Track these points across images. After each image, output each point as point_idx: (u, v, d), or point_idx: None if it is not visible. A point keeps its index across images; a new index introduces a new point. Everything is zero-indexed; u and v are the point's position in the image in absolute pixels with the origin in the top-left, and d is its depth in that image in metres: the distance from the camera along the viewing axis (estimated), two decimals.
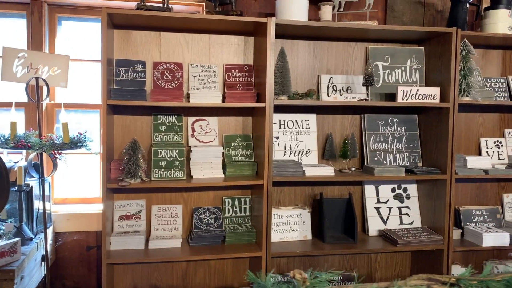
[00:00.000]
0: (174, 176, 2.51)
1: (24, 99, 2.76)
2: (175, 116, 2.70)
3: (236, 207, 2.77)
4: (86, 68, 2.93)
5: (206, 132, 2.74)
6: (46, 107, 2.78)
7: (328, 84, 2.80)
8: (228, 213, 2.76)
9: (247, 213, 2.78)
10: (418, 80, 2.91)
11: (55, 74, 2.59)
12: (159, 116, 2.68)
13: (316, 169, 2.58)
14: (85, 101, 2.91)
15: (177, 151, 2.54)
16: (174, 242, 2.55)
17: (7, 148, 2.07)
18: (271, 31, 2.40)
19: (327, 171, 2.58)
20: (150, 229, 2.66)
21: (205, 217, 2.69)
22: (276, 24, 2.42)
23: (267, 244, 2.48)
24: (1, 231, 2.17)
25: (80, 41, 2.92)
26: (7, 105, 2.74)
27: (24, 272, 2.03)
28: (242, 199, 2.78)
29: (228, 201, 2.76)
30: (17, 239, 1.99)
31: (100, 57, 2.86)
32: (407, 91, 2.64)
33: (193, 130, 2.73)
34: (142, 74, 2.60)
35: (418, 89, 2.64)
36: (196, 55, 2.72)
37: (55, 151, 2.10)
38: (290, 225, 2.72)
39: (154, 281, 2.73)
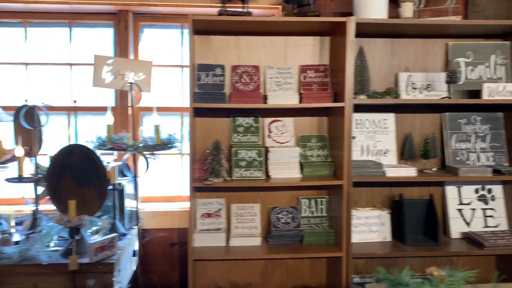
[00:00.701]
0: (254, 175, 2.56)
1: (110, 103, 2.96)
2: (253, 118, 2.76)
3: (312, 207, 2.78)
4: (163, 73, 3.06)
5: (282, 133, 2.78)
6: (132, 110, 2.94)
7: (407, 82, 2.74)
8: (305, 213, 2.78)
9: (323, 214, 2.78)
10: (504, 76, 2.77)
11: (139, 79, 2.74)
12: (237, 118, 2.75)
13: (397, 169, 2.53)
14: (161, 104, 3.05)
15: (256, 151, 2.60)
16: (253, 240, 2.61)
17: (104, 150, 2.22)
18: (351, 30, 2.40)
19: (409, 172, 2.52)
20: (229, 227, 2.74)
21: (282, 216, 2.72)
22: (356, 23, 2.41)
23: (348, 245, 2.47)
24: (98, 226, 2.33)
25: (159, 47, 3.07)
26: (93, 109, 2.95)
27: (121, 265, 2.16)
28: (319, 200, 2.79)
29: (305, 201, 2.78)
30: (115, 234, 2.13)
31: (180, 62, 3.02)
32: (493, 87, 2.52)
33: (270, 131, 2.78)
34: (221, 77, 2.68)
35: (505, 86, 2.52)
36: (272, 57, 2.76)
37: (148, 152, 2.23)
38: (369, 226, 2.69)
39: (233, 278, 2.81)
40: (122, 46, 2.90)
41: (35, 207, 2.28)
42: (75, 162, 2.11)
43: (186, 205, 2.89)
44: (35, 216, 2.27)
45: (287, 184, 2.52)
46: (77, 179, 2.12)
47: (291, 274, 2.85)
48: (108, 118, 2.30)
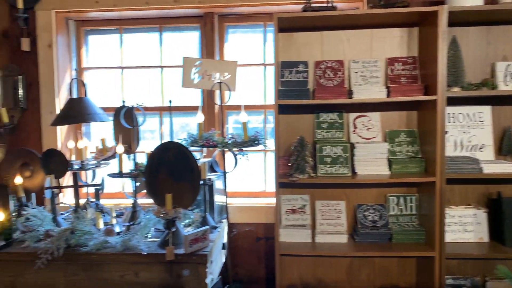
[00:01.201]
0: (340, 172, 2.54)
1: (196, 103, 3.09)
2: (337, 113, 2.73)
3: (401, 205, 2.69)
4: (246, 72, 3.12)
5: (368, 128, 2.72)
6: (218, 109, 3.05)
7: (505, 72, 2.55)
8: (393, 211, 2.69)
9: (413, 212, 2.68)
10: None
11: (225, 79, 2.83)
12: (320, 114, 2.74)
13: (496, 165, 2.37)
14: (245, 103, 3.11)
15: (342, 147, 2.57)
16: (339, 237, 2.59)
17: (196, 147, 2.33)
18: (443, 19, 2.28)
19: (510, 168, 2.35)
20: (314, 224, 2.73)
21: (369, 214, 2.66)
22: (449, 12, 2.29)
23: (441, 245, 2.36)
24: (190, 220, 2.45)
25: (242, 47, 3.14)
26: (182, 109, 3.09)
27: (212, 257, 2.25)
28: (408, 197, 2.69)
29: (393, 199, 2.70)
30: (208, 227, 2.23)
31: (262, 60, 3.06)
32: None
33: (355, 127, 2.73)
34: (305, 74, 2.69)
35: None
36: (357, 51, 2.71)
37: (236, 149, 2.30)
38: (463, 225, 2.54)
39: (319, 275, 2.80)
40: (209, 48, 3.00)
41: (134, 201, 2.44)
42: (170, 158, 2.23)
43: (270, 200, 2.94)
44: (134, 209, 2.43)
45: (375, 180, 2.46)
46: (172, 175, 2.24)
47: (379, 273, 2.78)
48: (199, 117, 2.41)
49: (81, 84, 2.64)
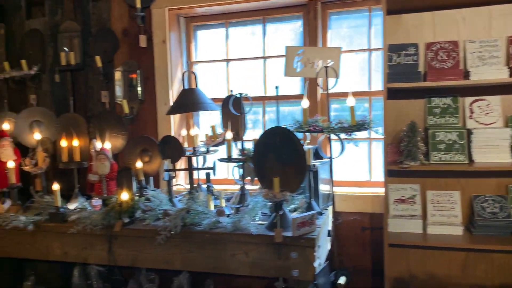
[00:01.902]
0: (455, 159, 2.38)
1: (296, 92, 3.11)
2: (451, 98, 2.57)
3: None
4: (349, 58, 3.06)
5: (486, 113, 2.51)
6: (320, 97, 3.03)
7: None
8: None
9: None
10: None
11: (328, 66, 2.80)
12: (432, 99, 2.59)
13: None
14: (349, 89, 3.05)
15: (457, 133, 2.41)
16: (453, 229, 2.43)
17: (302, 132, 2.35)
18: None
19: None
20: (425, 214, 2.60)
21: (488, 205, 2.46)
22: None
23: None
24: (296, 205, 2.47)
25: (345, 33, 3.09)
26: (285, 98, 3.13)
27: (320, 242, 2.25)
28: None
29: None
30: (314, 211, 2.23)
31: (367, 45, 2.98)
32: None
33: (471, 112, 2.54)
34: (415, 56, 2.56)
35: None
36: (473, 31, 2.52)
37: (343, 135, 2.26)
38: None
39: (429, 268, 2.66)
40: (312, 36, 3.00)
41: (242, 185, 2.53)
42: (277, 144, 2.28)
43: (375, 190, 2.85)
44: (243, 192, 2.52)
45: (497, 168, 2.27)
46: (279, 159, 2.28)
47: (498, 270, 2.56)
48: (304, 103, 2.42)
49: (192, 76, 2.80)
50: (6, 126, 3.04)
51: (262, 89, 3.21)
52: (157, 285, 2.85)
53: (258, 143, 2.33)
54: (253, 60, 3.25)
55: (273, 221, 2.23)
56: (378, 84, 2.94)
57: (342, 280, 2.27)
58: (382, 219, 2.79)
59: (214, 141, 2.59)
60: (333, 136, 2.42)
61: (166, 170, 2.51)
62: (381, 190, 2.84)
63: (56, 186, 2.59)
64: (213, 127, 2.64)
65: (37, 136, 2.90)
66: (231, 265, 2.27)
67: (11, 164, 2.74)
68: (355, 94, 2.97)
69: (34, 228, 2.56)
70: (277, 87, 2.56)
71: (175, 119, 3.20)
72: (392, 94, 2.61)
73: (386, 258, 2.41)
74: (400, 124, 2.56)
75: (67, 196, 2.85)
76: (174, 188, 2.71)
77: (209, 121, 3.35)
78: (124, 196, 2.46)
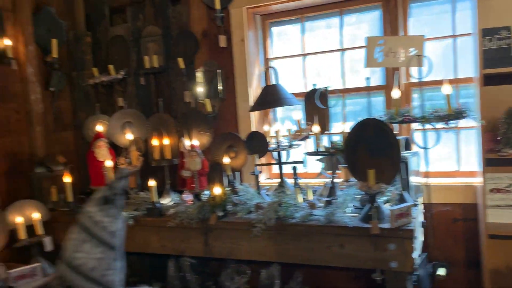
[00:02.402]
0: None
1: (377, 82, 3.08)
2: None
3: None
4: (432, 46, 2.98)
5: None
6: (404, 87, 2.98)
7: None
8: None
9: None
10: None
11: (411, 55, 2.74)
12: None
13: None
14: (432, 78, 2.96)
15: None
16: None
17: (395, 122, 2.32)
18: None
19: None
20: None
21: None
22: None
23: None
24: (388, 196, 2.46)
25: (427, 21, 3.01)
26: (362, 89, 3.10)
27: (415, 233, 2.23)
28: None
29: None
30: (410, 203, 2.21)
31: (452, 32, 2.89)
32: None
33: None
34: (508, 40, 2.45)
35: None
36: None
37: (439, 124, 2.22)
38: None
39: None
40: (392, 25, 2.96)
41: (332, 178, 2.55)
42: (369, 135, 2.28)
43: (466, 180, 2.77)
44: (332, 185, 2.54)
45: None
46: (371, 151, 2.28)
47: None
48: (395, 93, 2.39)
49: (273, 73, 2.85)
50: (100, 128, 3.26)
51: (339, 82, 3.21)
52: (249, 276, 2.94)
53: (350, 135, 2.34)
54: (330, 53, 3.25)
55: (368, 213, 2.23)
56: (464, 71, 2.84)
57: (441, 271, 2.24)
58: (474, 210, 2.72)
59: (300, 135, 2.62)
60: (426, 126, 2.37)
61: (257, 165, 2.59)
62: (472, 180, 2.76)
63: (152, 183, 2.75)
64: (298, 122, 2.67)
65: (129, 136, 3.08)
66: (326, 257, 2.31)
67: (109, 163, 2.93)
68: (439, 82, 2.91)
69: (134, 223, 2.73)
70: (367, 78, 2.55)
71: (254, 115, 3.28)
72: (485, 79, 2.52)
73: (485, 249, 2.34)
74: (495, 111, 2.47)
75: (158, 191, 3.01)
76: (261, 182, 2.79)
77: (286, 116, 3.40)
78: (217, 190, 2.56)
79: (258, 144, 2.76)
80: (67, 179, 2.96)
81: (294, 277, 2.91)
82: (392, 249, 2.16)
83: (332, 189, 2.54)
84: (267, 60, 3.40)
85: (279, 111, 3.45)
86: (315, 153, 2.54)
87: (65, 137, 3.67)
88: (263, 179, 3.32)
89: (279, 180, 2.82)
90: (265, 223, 2.35)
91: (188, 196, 2.94)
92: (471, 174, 2.82)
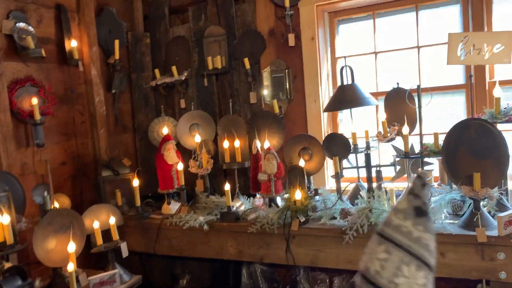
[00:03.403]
0: None
1: (459, 81, 2.92)
2: None
3: None
4: None
5: None
6: (488, 86, 2.82)
7: None
8: None
9: None
10: None
11: (498, 52, 2.58)
12: None
13: None
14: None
15: None
16: None
17: (499, 122, 2.18)
18: None
19: None
20: None
21: None
22: None
23: None
24: (485, 201, 2.31)
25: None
26: (445, 88, 2.95)
27: None
28: None
29: None
30: None
31: None
32: None
33: None
34: None
35: None
36: None
37: None
38: None
39: None
40: (475, 20, 2.80)
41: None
42: (471, 136, 2.13)
43: None
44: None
45: None
46: (473, 153, 2.13)
47: None
48: (497, 91, 2.25)
49: (348, 72, 2.73)
50: (166, 130, 3.19)
51: (415, 80, 3.06)
52: (328, 285, 2.83)
53: (449, 136, 2.20)
54: (405, 50, 3.10)
55: (473, 219, 2.09)
56: None
57: None
58: None
59: (386, 137, 2.49)
60: None
61: (346, 168, 2.46)
62: None
63: (227, 186, 2.65)
64: (383, 123, 2.54)
65: (197, 138, 3.00)
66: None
67: (180, 167, 2.86)
68: None
69: (209, 228, 2.64)
70: (471, 76, 2.41)
71: (323, 117, 3.16)
72: None
73: None
74: None
75: None
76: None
77: (356, 117, 3.26)
78: (298, 195, 2.45)
79: (337, 146, 2.64)
80: (136, 182, 2.90)
81: None
82: (502, 259, 2.01)
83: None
84: (335, 60, 3.27)
85: (347, 112, 3.31)
86: (404, 156, 2.41)
87: (125, 140, 3.62)
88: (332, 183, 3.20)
89: (353, 184, 2.71)
90: (357, 230, 2.22)
91: (259, 201, 2.85)
92: None
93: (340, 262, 2.36)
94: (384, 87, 3.09)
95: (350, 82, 2.75)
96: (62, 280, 2.39)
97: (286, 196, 2.70)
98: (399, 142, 2.54)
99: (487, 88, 2.81)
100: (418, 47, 3.06)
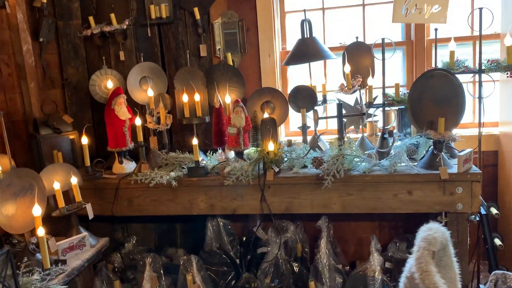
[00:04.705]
0: None
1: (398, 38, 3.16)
2: None
3: None
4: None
5: None
6: (426, 44, 3.10)
7: None
8: None
9: None
10: None
11: (436, 12, 2.86)
12: None
13: None
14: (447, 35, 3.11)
15: None
16: None
17: (457, 73, 2.43)
18: None
19: None
20: None
21: None
22: None
23: None
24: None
25: None
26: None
27: None
28: None
29: None
30: (471, 149, 2.36)
31: None
32: None
33: None
34: None
35: None
36: None
37: None
38: None
39: None
40: None
41: (383, 129, 2.61)
42: (434, 84, 2.35)
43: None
44: (383, 137, 2.60)
45: None
46: (435, 101, 2.36)
47: None
48: (452, 45, 2.49)
49: (306, 26, 2.78)
50: (110, 83, 2.93)
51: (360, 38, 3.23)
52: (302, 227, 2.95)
53: (414, 86, 2.39)
54: (352, 8, 3.24)
55: (435, 160, 2.34)
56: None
57: (494, 210, 2.44)
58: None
59: (351, 89, 2.62)
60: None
61: (320, 118, 2.54)
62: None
63: (195, 141, 2.56)
64: (348, 75, 2.66)
65: (150, 92, 2.81)
66: (394, 204, 2.38)
67: (138, 122, 2.66)
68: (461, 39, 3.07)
69: (178, 184, 2.54)
70: (436, 29, 2.60)
71: (278, 71, 3.18)
72: None
73: None
74: None
75: (186, 151, 2.82)
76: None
77: (303, 71, 3.35)
78: (271, 146, 2.47)
79: (303, 99, 2.70)
80: (85, 140, 2.64)
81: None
82: (460, 192, 2.30)
83: (384, 140, 2.60)
84: (284, 14, 3.28)
85: (294, 67, 3.38)
86: (367, 104, 2.57)
87: (54, 96, 3.22)
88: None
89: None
90: (334, 175, 2.34)
91: (221, 155, 2.80)
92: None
93: (314, 207, 2.46)
94: (331, 42, 3.22)
95: (308, 36, 2.81)
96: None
97: (251, 149, 2.72)
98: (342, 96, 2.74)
99: (425, 45, 3.09)
100: (364, 5, 3.22)
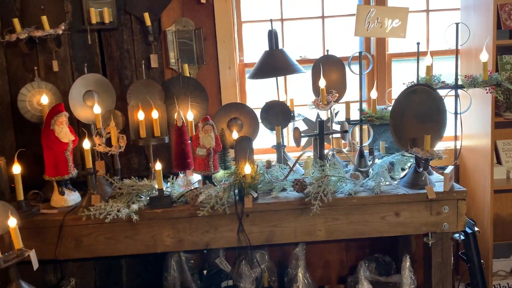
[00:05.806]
0: None
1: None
2: None
3: None
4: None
5: None
6: (387, 58, 3.06)
7: None
8: None
9: None
10: None
11: (397, 26, 2.84)
12: None
13: None
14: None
15: None
16: None
17: (434, 89, 2.37)
18: None
19: None
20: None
21: None
22: None
23: None
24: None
25: None
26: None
27: None
28: None
29: None
30: (452, 166, 2.31)
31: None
32: None
33: None
34: None
35: None
36: None
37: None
38: None
39: None
40: None
41: (361, 147, 2.47)
42: (416, 101, 2.27)
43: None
44: (362, 156, 2.47)
45: None
46: (418, 117, 2.28)
47: None
48: (428, 60, 2.44)
49: (272, 36, 2.58)
50: (45, 99, 2.45)
51: (319, 50, 3.11)
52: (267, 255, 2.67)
53: (396, 102, 2.29)
54: (311, 20, 3.11)
55: (420, 178, 2.25)
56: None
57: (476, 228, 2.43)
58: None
59: (326, 105, 2.45)
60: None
61: (303, 136, 2.31)
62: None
63: (159, 166, 2.20)
64: (322, 91, 2.49)
65: (97, 109, 2.39)
66: (381, 227, 2.25)
67: (87, 145, 2.22)
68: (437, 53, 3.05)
69: (139, 218, 2.15)
70: (418, 43, 2.52)
71: (240, 85, 2.93)
72: None
73: None
74: None
75: (142, 176, 2.44)
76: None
77: (262, 86, 3.13)
78: (248, 168, 2.21)
79: (276, 115, 2.48)
80: (17, 169, 2.14)
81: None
82: (446, 211, 2.23)
83: (362, 159, 2.47)
84: (240, 24, 3.05)
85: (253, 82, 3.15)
86: (347, 120, 2.42)
87: None
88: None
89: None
90: (321, 199, 2.13)
91: (182, 181, 2.46)
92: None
93: (298, 235, 2.24)
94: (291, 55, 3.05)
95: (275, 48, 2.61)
96: None
97: (222, 171, 2.43)
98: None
99: (386, 59, 3.06)
100: (323, 17, 3.10)
